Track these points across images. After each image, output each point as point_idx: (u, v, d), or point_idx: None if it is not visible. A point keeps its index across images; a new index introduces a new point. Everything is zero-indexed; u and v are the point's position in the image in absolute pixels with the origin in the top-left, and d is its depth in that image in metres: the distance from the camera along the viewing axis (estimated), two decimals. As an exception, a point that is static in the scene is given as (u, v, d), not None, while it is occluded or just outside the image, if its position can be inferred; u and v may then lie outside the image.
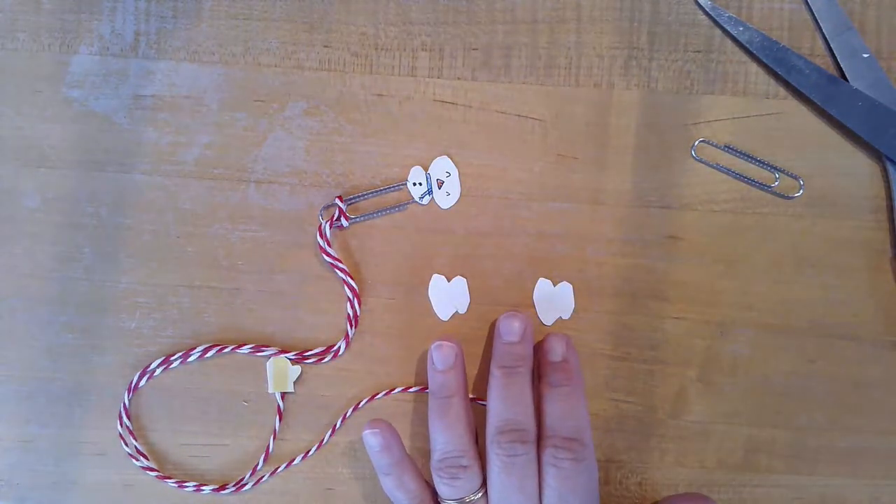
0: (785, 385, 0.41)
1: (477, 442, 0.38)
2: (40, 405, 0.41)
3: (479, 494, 0.37)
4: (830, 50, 0.41)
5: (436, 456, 0.37)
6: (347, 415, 0.41)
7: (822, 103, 0.40)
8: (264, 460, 0.41)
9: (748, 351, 0.41)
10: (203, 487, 0.40)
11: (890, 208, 0.40)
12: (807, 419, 0.41)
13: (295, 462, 0.41)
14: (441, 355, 0.39)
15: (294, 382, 0.41)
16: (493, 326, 0.41)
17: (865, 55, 0.40)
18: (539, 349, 0.39)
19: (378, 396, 0.41)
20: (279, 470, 0.41)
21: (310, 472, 0.41)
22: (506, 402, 0.37)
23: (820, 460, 0.41)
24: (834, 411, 0.41)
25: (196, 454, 0.41)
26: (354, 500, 0.41)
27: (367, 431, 0.38)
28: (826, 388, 0.41)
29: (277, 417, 0.41)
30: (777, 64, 0.40)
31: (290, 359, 0.41)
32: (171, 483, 0.40)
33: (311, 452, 0.41)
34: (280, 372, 0.41)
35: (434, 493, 0.39)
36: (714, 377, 0.41)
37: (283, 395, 0.41)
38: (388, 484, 0.38)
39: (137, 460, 0.41)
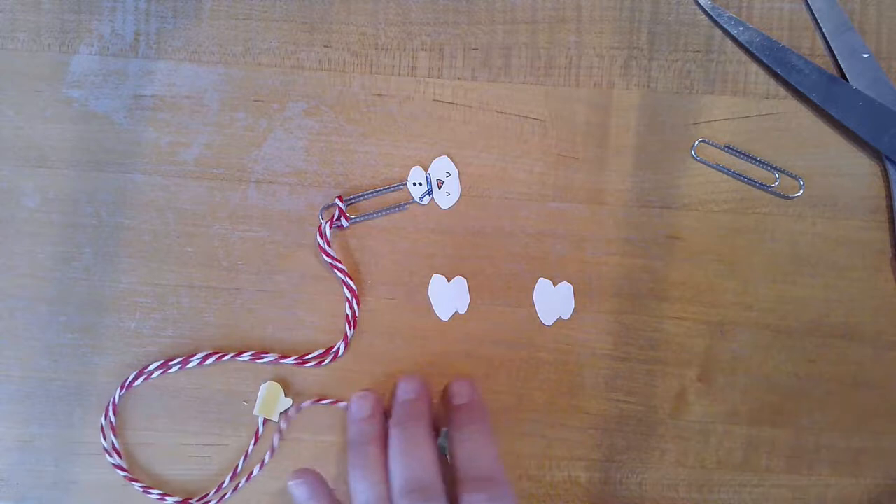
0: (785, 385, 0.41)
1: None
2: (40, 405, 0.41)
3: None
4: (830, 50, 0.41)
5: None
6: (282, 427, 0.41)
7: (822, 103, 0.40)
8: (231, 479, 0.40)
9: (748, 351, 0.41)
10: (166, 498, 0.40)
11: (890, 208, 0.40)
12: (807, 419, 0.41)
13: (253, 474, 0.40)
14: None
15: (280, 414, 0.41)
16: (394, 392, 0.39)
17: (865, 55, 0.40)
18: (444, 396, 0.38)
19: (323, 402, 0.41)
20: (240, 485, 0.40)
21: (310, 472, 0.41)
22: (405, 461, 0.35)
23: (820, 460, 0.41)
24: (834, 411, 0.41)
25: (196, 454, 0.41)
26: (354, 500, 0.41)
27: (291, 482, 0.37)
28: (826, 388, 0.41)
29: (253, 441, 0.41)
30: (777, 64, 0.40)
31: (289, 363, 0.41)
32: (137, 486, 0.40)
33: (265, 461, 0.41)
34: (271, 398, 0.40)
35: None
36: (714, 377, 0.41)
37: (266, 420, 0.41)
38: None
39: (111, 456, 0.40)
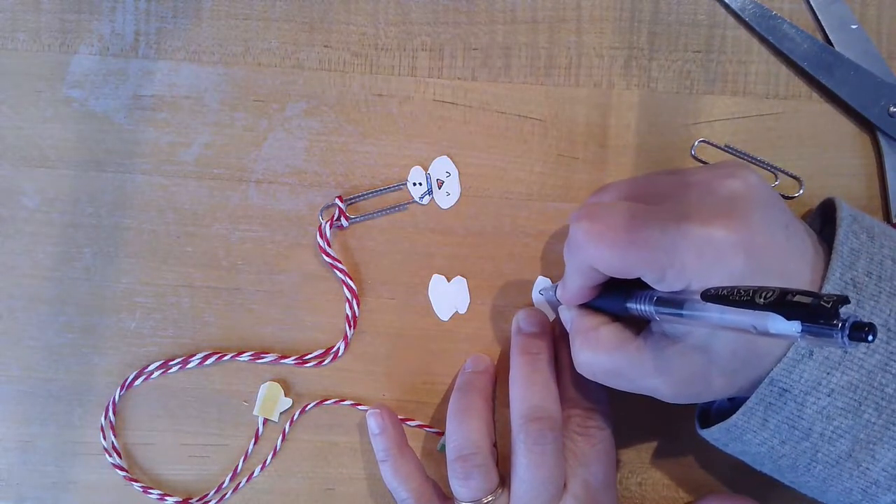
0: (785, 385, 0.41)
1: (495, 445, 0.38)
2: (40, 405, 0.41)
3: (495, 496, 0.36)
4: (819, 22, 0.40)
5: (450, 455, 0.37)
6: (286, 430, 0.41)
7: (813, 72, 0.40)
8: (231, 479, 0.41)
9: (748, 351, 0.41)
10: (166, 498, 0.40)
11: (882, 178, 0.40)
12: (807, 419, 0.41)
13: (254, 474, 0.41)
14: (476, 361, 0.40)
15: (281, 414, 0.41)
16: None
17: (854, 26, 0.40)
18: (554, 328, 0.39)
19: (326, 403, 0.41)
20: (240, 485, 0.41)
21: (310, 472, 0.41)
22: (532, 389, 0.36)
23: (820, 460, 0.41)
24: (834, 411, 0.41)
25: (196, 454, 0.41)
26: (354, 500, 0.41)
27: (369, 412, 0.39)
28: (826, 388, 0.41)
29: (253, 441, 0.41)
30: (769, 32, 0.40)
31: (289, 363, 0.41)
32: (136, 486, 0.40)
33: (266, 461, 0.41)
34: (271, 398, 0.40)
35: (442, 496, 0.39)
36: (714, 377, 0.41)
37: (266, 420, 0.41)
38: (385, 472, 0.38)
39: (111, 456, 0.41)
